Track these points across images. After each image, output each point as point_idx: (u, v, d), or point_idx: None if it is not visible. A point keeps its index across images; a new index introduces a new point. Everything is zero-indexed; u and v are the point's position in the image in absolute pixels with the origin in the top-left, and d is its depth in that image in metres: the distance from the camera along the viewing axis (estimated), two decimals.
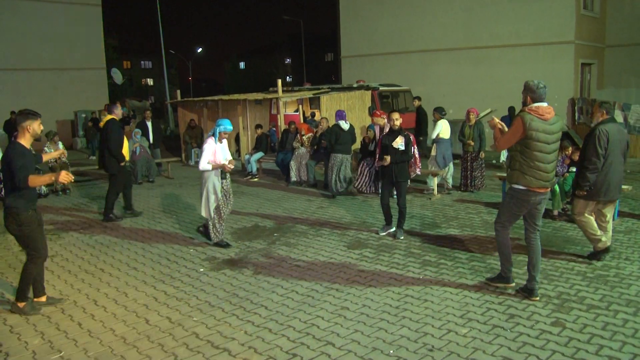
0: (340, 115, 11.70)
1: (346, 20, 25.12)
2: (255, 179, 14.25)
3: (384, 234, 8.33)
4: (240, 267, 6.92)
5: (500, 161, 16.79)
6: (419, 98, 16.40)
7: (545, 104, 5.41)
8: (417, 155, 9.95)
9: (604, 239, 6.86)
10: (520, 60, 19.69)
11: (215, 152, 7.65)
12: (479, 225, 8.89)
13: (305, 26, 50.12)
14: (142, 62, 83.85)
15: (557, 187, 9.12)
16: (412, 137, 8.46)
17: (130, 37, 73.55)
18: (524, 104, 5.48)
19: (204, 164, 7.60)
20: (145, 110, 17.56)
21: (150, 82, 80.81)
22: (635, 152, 16.28)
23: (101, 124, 10.01)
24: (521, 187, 5.48)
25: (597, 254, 6.90)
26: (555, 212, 9.23)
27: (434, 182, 11.48)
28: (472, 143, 11.59)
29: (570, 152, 9.49)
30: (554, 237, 8.04)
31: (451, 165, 12.12)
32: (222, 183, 7.82)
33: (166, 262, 7.21)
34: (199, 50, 73.88)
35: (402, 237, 8.05)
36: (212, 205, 7.74)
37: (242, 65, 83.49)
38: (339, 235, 8.39)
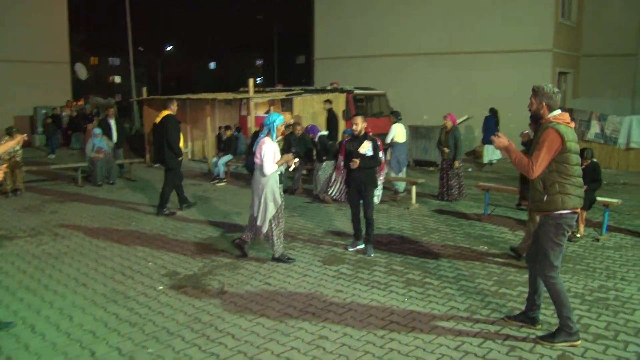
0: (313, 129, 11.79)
1: (321, 21, 24.51)
2: (223, 184, 13.50)
3: (353, 249, 7.66)
4: (204, 285, 6.20)
5: (486, 163, 16.41)
6: (329, 101, 15.74)
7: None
8: (383, 161, 9.40)
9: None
10: (497, 67, 19.33)
11: (275, 152, 6.94)
12: (462, 238, 8.32)
13: (278, 27, 49.28)
14: (110, 58, 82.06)
15: None
16: (379, 142, 7.86)
17: (99, 33, 71.41)
18: (536, 112, 4.73)
19: (272, 167, 6.84)
20: (108, 108, 16.66)
21: (117, 79, 79.11)
22: (610, 163, 16.00)
23: (157, 119, 10.07)
24: (568, 212, 4.61)
25: (516, 251, 7.27)
26: None
27: (401, 187, 11.03)
28: (447, 150, 11.10)
29: None
30: None
31: (404, 170, 11.85)
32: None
33: (121, 277, 6.44)
34: (169, 48, 72.62)
35: (372, 255, 7.40)
36: (271, 214, 6.94)
37: (212, 65, 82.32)
38: (312, 248, 7.73)
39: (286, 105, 17.89)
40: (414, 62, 21.50)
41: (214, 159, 14.08)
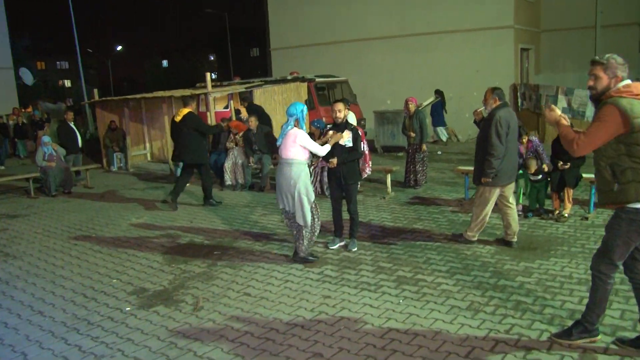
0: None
1: (275, 11, 23.81)
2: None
3: (335, 247, 7.15)
4: (176, 301, 5.59)
5: (444, 140, 16.19)
6: (245, 101, 15.26)
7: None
8: (367, 152, 8.84)
9: (477, 236, 7.00)
10: (459, 47, 19.02)
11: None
12: (446, 226, 7.88)
13: (229, 20, 48.12)
14: (58, 62, 79.55)
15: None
16: (360, 131, 7.32)
17: (45, 37, 69.07)
18: (605, 90, 3.82)
19: (325, 149, 6.61)
20: (67, 112, 15.73)
21: (67, 83, 76.84)
22: None
23: (177, 118, 9.95)
24: None
25: (460, 237, 7.08)
26: (520, 207, 8.38)
27: (387, 179, 10.43)
28: (413, 134, 10.68)
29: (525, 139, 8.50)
30: (533, 237, 7.11)
31: None
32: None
33: (82, 300, 5.76)
34: (119, 48, 70.68)
35: (355, 249, 6.91)
36: (308, 210, 6.40)
37: (165, 63, 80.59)
38: (290, 249, 7.16)
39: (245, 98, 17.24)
40: (372, 46, 21.06)
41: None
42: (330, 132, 6.91)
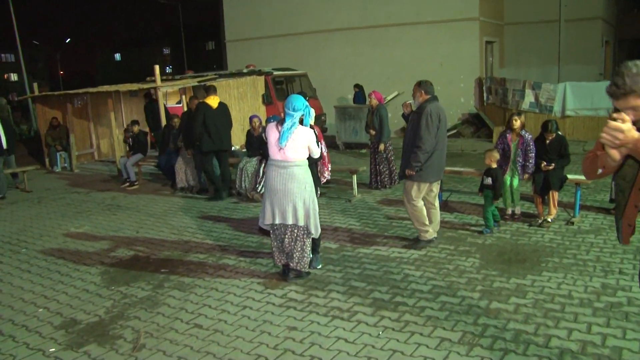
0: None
1: (230, 1, 22.69)
2: (135, 187, 11.77)
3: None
4: (112, 337, 4.65)
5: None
6: (149, 95, 14.50)
7: None
8: (325, 154, 8.00)
9: (431, 230, 6.62)
10: (422, 40, 18.34)
11: None
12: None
13: (184, 13, 46.56)
14: (3, 55, 76.29)
15: (508, 177, 7.56)
16: (317, 130, 6.49)
17: None
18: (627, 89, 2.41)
19: (319, 148, 5.84)
20: None
21: (14, 77, 73.74)
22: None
23: (214, 104, 9.72)
24: None
25: (419, 243, 6.60)
26: (509, 212, 7.69)
27: (353, 181, 9.64)
28: (373, 132, 9.96)
29: (518, 123, 7.62)
30: (519, 247, 6.43)
31: None
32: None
33: None
34: (68, 40, 68.18)
35: (319, 266, 6.07)
36: (317, 216, 5.63)
37: (118, 57, 78.21)
38: (247, 264, 6.31)
39: (200, 93, 16.25)
40: (332, 38, 20.22)
41: (122, 159, 12.28)
42: None
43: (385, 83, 18.68)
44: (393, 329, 4.45)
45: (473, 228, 7.29)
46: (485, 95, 17.41)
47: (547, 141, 7.41)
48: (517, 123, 7.37)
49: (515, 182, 7.52)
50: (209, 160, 9.90)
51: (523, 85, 15.40)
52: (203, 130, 9.58)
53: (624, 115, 2.35)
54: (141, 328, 4.75)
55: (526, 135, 7.32)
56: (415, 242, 6.69)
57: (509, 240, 6.72)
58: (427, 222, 6.58)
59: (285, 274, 5.75)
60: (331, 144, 16.63)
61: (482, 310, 4.73)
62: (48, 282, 6.11)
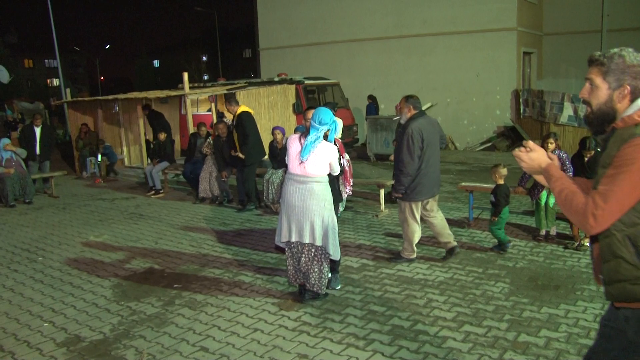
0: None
1: (264, 8, 22.58)
2: (160, 195, 11.65)
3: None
4: (114, 358, 4.41)
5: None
6: (148, 106, 14.47)
7: None
8: (347, 169, 7.62)
9: (415, 254, 6.52)
10: (457, 49, 17.89)
11: None
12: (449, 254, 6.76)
13: (220, 20, 47.06)
14: (47, 60, 78.03)
15: (544, 195, 7.12)
16: (339, 143, 6.17)
17: (33, 34, 67.77)
18: (607, 107, 2.36)
19: (340, 165, 5.64)
20: (35, 114, 14.55)
21: (56, 82, 75.42)
22: None
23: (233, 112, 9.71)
24: None
25: (398, 258, 6.53)
26: (544, 232, 7.26)
27: (381, 195, 9.31)
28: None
29: (553, 146, 7.24)
30: (552, 271, 6.01)
31: None
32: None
33: None
34: (107, 47, 69.41)
35: (339, 287, 5.75)
36: (337, 237, 5.37)
37: (157, 63, 79.25)
38: (264, 282, 6.04)
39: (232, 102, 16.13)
40: (365, 47, 19.92)
41: (148, 167, 12.17)
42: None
43: (419, 93, 17.91)
44: None
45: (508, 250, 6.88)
46: (522, 107, 16.86)
47: (586, 159, 7.00)
48: (551, 146, 6.97)
49: (552, 200, 7.08)
50: (254, 171, 9.87)
51: (562, 98, 14.85)
52: (256, 140, 9.66)
53: (531, 144, 2.47)
54: (144, 349, 4.51)
55: (562, 155, 6.92)
56: (396, 255, 6.63)
57: (541, 263, 6.30)
58: (414, 246, 6.50)
59: (302, 294, 5.46)
60: (362, 154, 16.35)
61: (509, 343, 4.34)
62: (59, 295, 5.93)
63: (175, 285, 6.05)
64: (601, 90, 2.36)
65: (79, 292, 6.00)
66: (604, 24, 17.63)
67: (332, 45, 20.59)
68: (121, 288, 6.06)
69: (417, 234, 6.45)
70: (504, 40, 17.13)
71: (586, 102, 2.44)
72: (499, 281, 5.77)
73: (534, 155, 2.45)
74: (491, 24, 17.20)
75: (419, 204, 6.34)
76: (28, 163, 12.16)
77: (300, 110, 15.06)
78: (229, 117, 12.00)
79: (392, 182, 9.51)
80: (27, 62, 79.12)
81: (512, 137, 16.78)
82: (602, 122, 2.39)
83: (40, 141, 12.71)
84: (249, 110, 9.78)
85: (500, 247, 6.78)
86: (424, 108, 16.20)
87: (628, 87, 2.30)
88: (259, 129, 12.33)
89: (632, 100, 2.32)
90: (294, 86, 15.18)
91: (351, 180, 7.57)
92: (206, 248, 7.52)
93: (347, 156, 7.53)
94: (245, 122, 9.48)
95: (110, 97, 14.83)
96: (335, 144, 5.62)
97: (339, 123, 6.03)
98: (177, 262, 6.91)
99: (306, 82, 15.88)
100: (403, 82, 18.78)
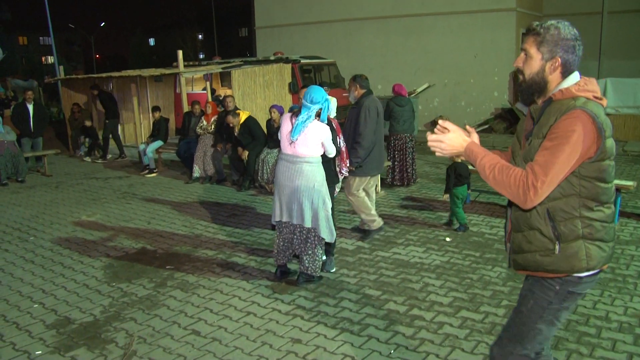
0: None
1: None
2: (154, 174, 11.52)
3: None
4: (104, 340, 4.33)
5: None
6: (97, 86, 14.04)
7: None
8: (343, 149, 7.53)
9: (378, 218, 6.66)
10: (456, 30, 17.66)
11: None
12: (445, 236, 6.67)
13: None
14: (41, 38, 77.24)
15: None
16: (335, 123, 6.05)
17: (28, 11, 66.84)
18: (540, 78, 2.37)
19: (336, 145, 5.48)
20: (26, 91, 14.30)
21: (50, 59, 74.69)
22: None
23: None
24: (589, 274, 2.38)
25: (369, 234, 6.62)
26: None
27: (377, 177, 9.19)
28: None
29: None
30: None
31: None
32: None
33: None
34: (102, 24, 68.65)
35: (333, 270, 5.67)
36: (331, 219, 5.27)
37: (152, 41, 78.47)
38: (257, 264, 5.94)
39: (226, 80, 15.93)
40: (362, 27, 19.64)
41: (142, 146, 12.01)
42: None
43: (416, 73, 18.14)
44: (406, 348, 4.03)
45: (501, 233, 6.80)
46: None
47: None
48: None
49: None
50: (257, 153, 9.80)
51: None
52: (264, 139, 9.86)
53: (447, 124, 2.37)
54: (135, 332, 4.42)
55: None
56: (365, 233, 6.68)
57: None
58: (373, 211, 6.60)
59: (281, 275, 5.40)
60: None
61: None
62: (49, 275, 5.83)
63: (167, 267, 5.95)
64: (534, 60, 2.38)
65: (70, 272, 5.90)
66: (605, 5, 17.40)
67: (329, 25, 20.33)
68: (112, 269, 5.96)
69: (368, 202, 6.61)
70: (502, 21, 16.92)
71: (520, 71, 2.44)
72: (496, 266, 5.69)
73: (452, 136, 2.36)
74: (490, 4, 16.96)
75: (367, 179, 6.53)
76: (21, 141, 12.00)
77: (296, 89, 14.86)
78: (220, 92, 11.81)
79: (389, 163, 9.51)
80: (21, 39, 78.39)
81: (509, 119, 16.64)
82: (532, 92, 2.41)
83: (33, 117, 12.53)
84: (248, 113, 9.97)
85: (461, 227, 6.88)
86: (419, 90, 16.09)
87: (559, 60, 2.33)
88: (254, 108, 12.28)
89: (563, 73, 2.36)
90: (290, 65, 14.95)
91: (347, 161, 7.47)
92: (199, 228, 7.42)
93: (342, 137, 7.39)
94: (252, 127, 9.70)
95: (104, 74, 14.60)
96: (331, 123, 5.51)
97: (333, 102, 5.97)
98: (170, 243, 6.81)
99: (302, 61, 15.68)
100: (400, 62, 18.58)
